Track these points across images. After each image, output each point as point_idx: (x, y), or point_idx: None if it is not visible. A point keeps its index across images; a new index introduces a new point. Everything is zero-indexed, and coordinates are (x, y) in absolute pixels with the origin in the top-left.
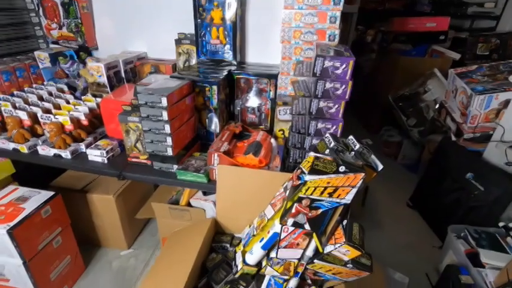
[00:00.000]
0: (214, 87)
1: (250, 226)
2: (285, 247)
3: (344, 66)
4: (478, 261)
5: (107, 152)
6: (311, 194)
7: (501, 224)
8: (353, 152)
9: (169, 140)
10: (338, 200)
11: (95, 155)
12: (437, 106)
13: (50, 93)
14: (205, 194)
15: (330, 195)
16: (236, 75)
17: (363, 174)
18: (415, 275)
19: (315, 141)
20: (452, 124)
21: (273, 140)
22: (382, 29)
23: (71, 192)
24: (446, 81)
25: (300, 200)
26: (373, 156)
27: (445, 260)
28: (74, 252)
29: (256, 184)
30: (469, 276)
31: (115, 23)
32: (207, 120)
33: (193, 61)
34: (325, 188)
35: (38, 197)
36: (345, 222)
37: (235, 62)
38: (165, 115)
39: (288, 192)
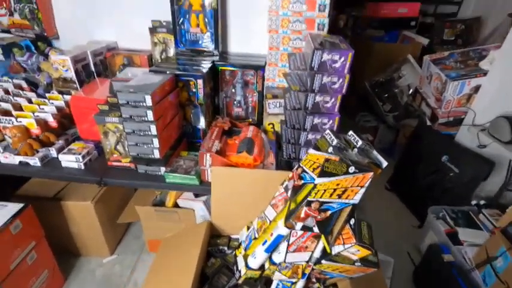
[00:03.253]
0: (200, 81)
1: (248, 228)
2: (293, 251)
3: (343, 59)
4: (457, 240)
5: (83, 157)
6: (320, 197)
7: (473, 202)
8: (356, 149)
9: (156, 142)
10: (347, 201)
11: (69, 161)
12: (410, 91)
13: (7, 91)
14: (197, 196)
15: (339, 196)
16: (221, 66)
17: (371, 173)
18: (397, 254)
19: (310, 136)
20: (427, 109)
21: (263, 135)
22: (353, 14)
23: (42, 201)
24: (418, 67)
25: (309, 203)
26: (375, 152)
27: (426, 240)
28: (51, 265)
29: (252, 184)
30: (450, 254)
31: (77, 7)
32: (191, 116)
33: (171, 51)
34: (335, 189)
35: (4, 211)
36: (352, 221)
37: (217, 52)
38: (150, 115)
39: (289, 192)
